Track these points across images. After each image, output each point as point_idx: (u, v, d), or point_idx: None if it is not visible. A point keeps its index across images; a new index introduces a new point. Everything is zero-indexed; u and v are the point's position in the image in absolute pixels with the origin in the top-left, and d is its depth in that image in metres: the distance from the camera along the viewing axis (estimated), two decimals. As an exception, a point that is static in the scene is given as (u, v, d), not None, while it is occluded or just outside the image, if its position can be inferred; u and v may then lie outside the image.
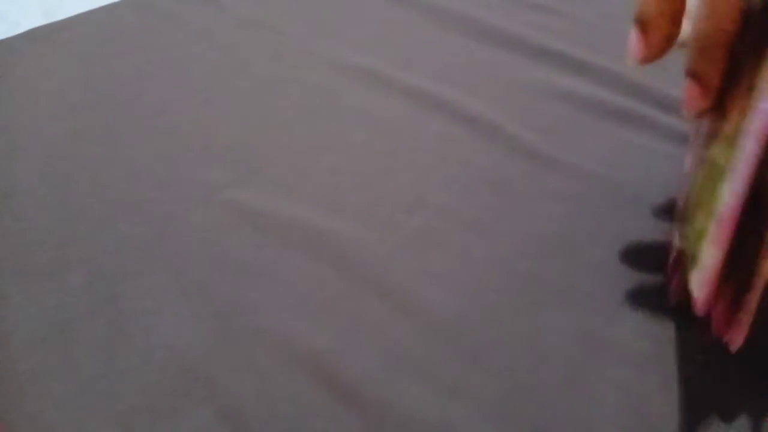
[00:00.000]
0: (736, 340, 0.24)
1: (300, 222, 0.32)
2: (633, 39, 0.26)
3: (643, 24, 0.26)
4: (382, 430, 0.24)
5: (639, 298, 0.29)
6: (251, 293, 0.29)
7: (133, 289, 0.29)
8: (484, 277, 0.30)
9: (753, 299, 0.22)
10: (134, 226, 0.32)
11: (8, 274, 0.30)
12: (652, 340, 0.27)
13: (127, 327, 0.27)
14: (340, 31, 0.48)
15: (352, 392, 0.25)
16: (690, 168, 0.30)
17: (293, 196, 0.34)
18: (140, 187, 0.34)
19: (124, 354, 0.26)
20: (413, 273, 0.30)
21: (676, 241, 0.28)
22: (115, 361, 0.26)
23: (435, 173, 0.35)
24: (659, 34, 0.26)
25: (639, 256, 0.30)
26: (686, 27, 0.27)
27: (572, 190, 0.34)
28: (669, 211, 0.33)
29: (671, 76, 0.42)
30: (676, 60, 0.44)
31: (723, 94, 0.27)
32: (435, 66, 0.44)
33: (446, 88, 0.42)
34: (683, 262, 0.26)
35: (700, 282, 0.24)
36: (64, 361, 0.26)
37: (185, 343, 0.27)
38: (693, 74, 0.25)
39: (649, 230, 0.32)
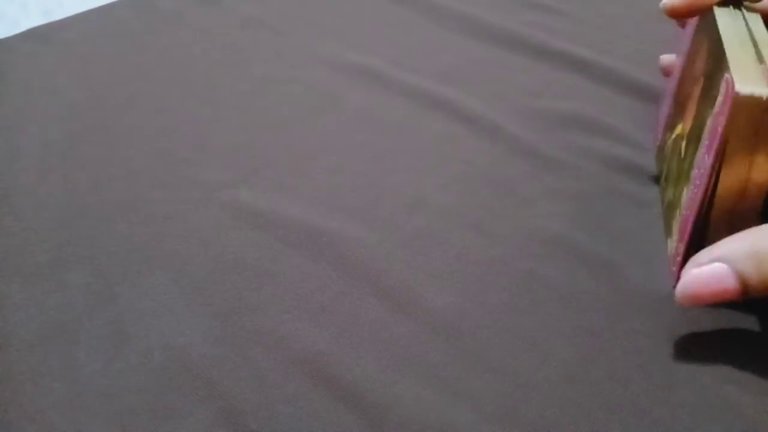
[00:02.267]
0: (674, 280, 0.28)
1: (300, 222, 0.32)
2: None
3: None
4: (381, 430, 0.24)
5: (641, 296, 0.29)
6: (251, 293, 0.29)
7: (133, 289, 0.29)
8: (484, 277, 0.30)
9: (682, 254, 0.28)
10: (134, 226, 0.32)
11: (8, 274, 0.30)
12: (654, 337, 0.27)
13: (127, 327, 0.27)
14: (340, 31, 0.48)
15: (352, 392, 0.25)
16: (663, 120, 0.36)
17: (293, 195, 0.34)
18: (140, 187, 0.34)
19: (124, 354, 0.26)
20: (413, 273, 0.30)
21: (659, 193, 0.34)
22: (114, 361, 0.26)
23: (435, 173, 0.35)
24: None
25: (639, 253, 0.30)
26: None
27: (572, 190, 0.34)
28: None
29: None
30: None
31: (685, 91, 0.32)
32: (435, 66, 0.44)
33: (446, 88, 0.42)
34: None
35: (671, 258, 0.29)
36: (64, 361, 0.26)
37: (184, 343, 0.27)
38: None
39: (650, 229, 0.32)
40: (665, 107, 0.36)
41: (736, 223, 0.26)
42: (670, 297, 0.29)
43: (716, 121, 0.25)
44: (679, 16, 0.32)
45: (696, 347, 0.27)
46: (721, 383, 0.25)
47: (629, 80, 0.42)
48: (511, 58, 0.45)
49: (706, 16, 0.30)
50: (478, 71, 0.44)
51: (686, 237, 0.27)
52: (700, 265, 0.25)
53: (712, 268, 0.25)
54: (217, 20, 0.50)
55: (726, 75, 0.24)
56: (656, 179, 0.35)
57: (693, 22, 0.33)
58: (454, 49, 0.46)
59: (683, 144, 0.30)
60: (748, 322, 0.27)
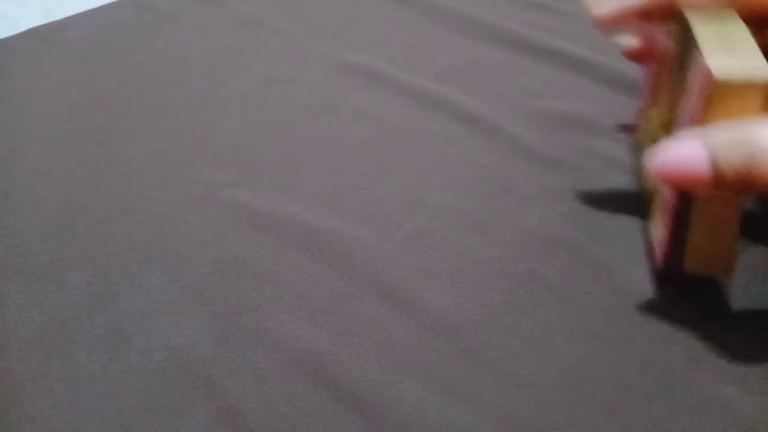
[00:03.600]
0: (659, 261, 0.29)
1: (300, 222, 0.32)
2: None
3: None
4: (381, 430, 0.24)
5: (641, 296, 0.29)
6: (251, 293, 0.29)
7: (133, 289, 0.29)
8: (484, 277, 0.30)
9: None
10: (134, 226, 0.32)
11: (8, 274, 0.30)
12: (654, 338, 0.27)
13: (127, 327, 0.27)
14: (340, 31, 0.48)
15: (352, 392, 0.25)
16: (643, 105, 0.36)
17: (293, 196, 0.34)
18: (140, 187, 0.34)
19: (124, 354, 0.26)
20: (413, 273, 0.30)
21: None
22: (114, 361, 0.26)
23: (435, 173, 0.35)
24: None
25: (639, 254, 0.30)
26: None
27: (572, 190, 0.34)
28: None
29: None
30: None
31: (659, 78, 0.32)
32: (435, 66, 0.44)
33: (446, 88, 0.42)
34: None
35: (657, 242, 0.29)
36: (64, 361, 0.26)
37: (185, 343, 0.27)
38: None
39: (650, 230, 0.32)
40: (641, 97, 0.36)
41: (717, 205, 0.26)
42: (670, 297, 0.29)
43: (690, 106, 0.25)
44: (606, 27, 0.30)
45: (696, 348, 0.27)
46: (721, 383, 0.25)
47: (629, 80, 0.42)
48: (511, 58, 0.45)
49: None
50: (478, 71, 0.44)
51: (670, 222, 0.27)
52: (681, 141, 0.24)
53: (690, 147, 0.24)
54: (216, 20, 0.50)
55: (698, 57, 0.25)
56: (636, 170, 0.35)
57: None
58: (454, 49, 0.46)
59: (660, 133, 0.30)
60: (748, 322, 0.27)
